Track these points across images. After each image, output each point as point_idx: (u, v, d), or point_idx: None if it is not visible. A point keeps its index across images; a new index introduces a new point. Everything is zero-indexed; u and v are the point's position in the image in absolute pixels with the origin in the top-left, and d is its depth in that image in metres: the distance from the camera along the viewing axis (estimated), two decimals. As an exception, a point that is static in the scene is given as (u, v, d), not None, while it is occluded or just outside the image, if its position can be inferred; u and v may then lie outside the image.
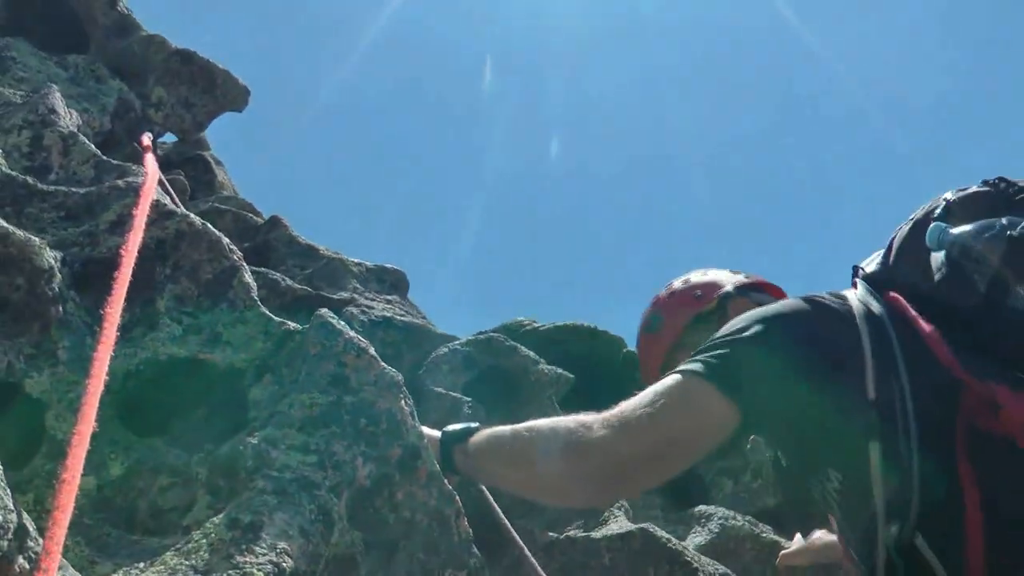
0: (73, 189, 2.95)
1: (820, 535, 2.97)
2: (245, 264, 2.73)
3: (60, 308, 2.40)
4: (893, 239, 2.11)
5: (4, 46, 4.01)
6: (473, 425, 2.28)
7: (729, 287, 2.77)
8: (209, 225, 2.76)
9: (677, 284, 2.90)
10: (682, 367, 1.90)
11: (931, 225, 1.94)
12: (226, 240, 2.74)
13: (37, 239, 2.45)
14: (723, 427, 1.85)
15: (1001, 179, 2.00)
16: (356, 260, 4.69)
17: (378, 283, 4.59)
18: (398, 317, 4.08)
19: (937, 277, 1.90)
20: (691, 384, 1.85)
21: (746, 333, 1.92)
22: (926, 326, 1.85)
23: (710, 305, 2.73)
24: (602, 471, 1.84)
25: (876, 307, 1.95)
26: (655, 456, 1.84)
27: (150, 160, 3.49)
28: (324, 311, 2.35)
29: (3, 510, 1.61)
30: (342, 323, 2.30)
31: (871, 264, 2.16)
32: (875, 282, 2.09)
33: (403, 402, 2.21)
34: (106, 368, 2.00)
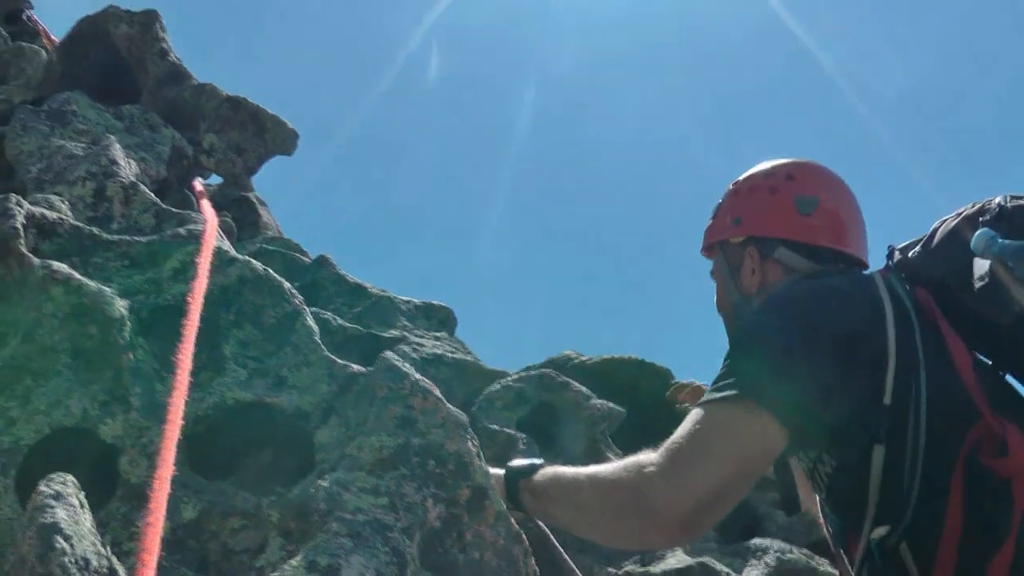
0: (136, 238, 3.03)
1: None
2: (306, 308, 2.80)
3: (131, 355, 2.47)
4: (936, 230, 2.07)
5: (64, 100, 4.14)
6: (538, 461, 2.28)
7: (762, 232, 2.41)
8: (271, 271, 2.83)
9: (744, 186, 2.52)
10: (718, 395, 1.86)
11: (981, 230, 1.89)
12: (287, 285, 2.81)
13: (108, 289, 2.52)
14: (774, 447, 1.83)
15: None
16: (404, 298, 4.73)
17: (426, 320, 4.63)
18: (448, 354, 4.12)
19: (977, 285, 1.87)
20: (732, 415, 1.83)
21: (770, 344, 1.90)
22: (955, 340, 1.87)
23: (736, 238, 2.45)
24: (673, 519, 1.80)
25: (906, 302, 1.94)
26: (720, 494, 1.82)
27: (207, 207, 3.59)
28: (389, 354, 2.40)
29: (96, 555, 1.67)
30: (408, 365, 2.35)
31: (908, 250, 2.13)
32: (908, 270, 2.08)
33: (470, 443, 2.25)
34: (181, 414, 2.07)
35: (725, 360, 1.97)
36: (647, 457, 1.90)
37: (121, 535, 2.26)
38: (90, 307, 2.47)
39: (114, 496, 2.33)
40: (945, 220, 2.07)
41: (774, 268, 2.36)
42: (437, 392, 2.31)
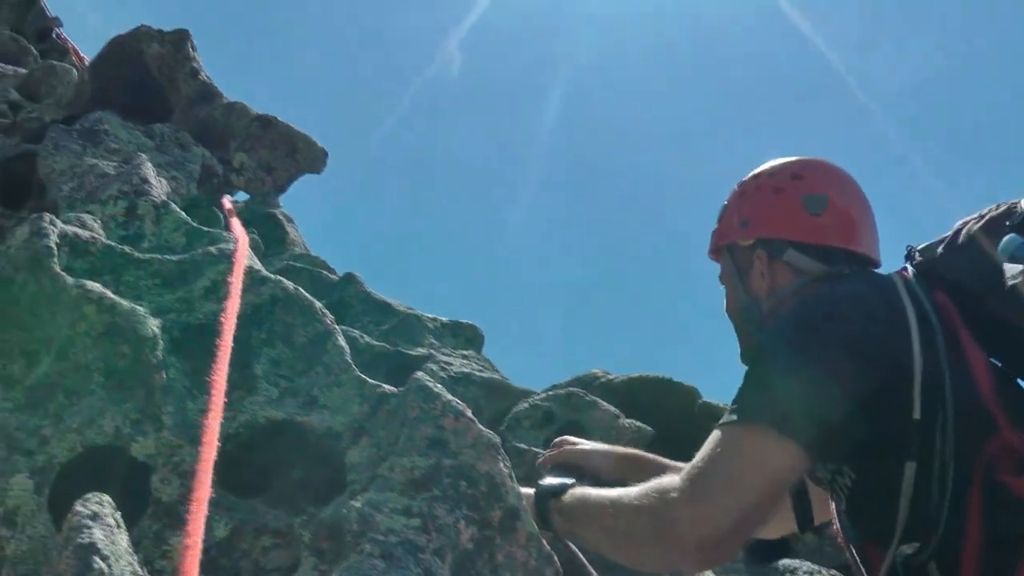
0: (167, 257, 3.05)
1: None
2: (337, 327, 2.80)
3: (163, 374, 2.49)
4: (959, 231, 2.01)
5: (97, 120, 4.18)
6: (568, 481, 2.25)
7: (769, 234, 2.33)
8: (301, 290, 2.84)
9: (750, 186, 2.43)
10: (737, 419, 1.82)
11: (1009, 235, 1.82)
12: (318, 304, 2.82)
13: (141, 308, 2.54)
14: (797, 469, 1.79)
15: None
16: (431, 315, 4.74)
17: (453, 338, 4.63)
18: (476, 373, 4.13)
19: (1008, 286, 1.79)
20: (753, 440, 1.78)
21: (787, 363, 1.84)
22: (973, 348, 1.82)
23: (745, 241, 2.36)
24: (696, 546, 1.76)
25: (926, 306, 1.88)
26: (744, 520, 1.78)
27: (237, 225, 3.60)
28: (420, 374, 2.41)
29: (133, 575, 1.67)
30: (439, 386, 2.35)
31: (928, 251, 2.06)
32: (928, 272, 2.02)
33: (502, 464, 2.25)
34: (217, 435, 2.08)
35: (745, 378, 1.92)
36: (670, 481, 1.87)
37: (153, 553, 2.28)
38: (123, 326, 2.48)
39: (145, 514, 2.34)
40: (968, 221, 2.01)
41: (783, 270, 2.29)
42: (469, 413, 2.31)
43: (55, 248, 2.74)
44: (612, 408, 3.95)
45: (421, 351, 4.23)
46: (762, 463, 1.77)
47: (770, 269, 2.31)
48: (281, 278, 2.87)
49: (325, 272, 5.16)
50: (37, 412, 2.40)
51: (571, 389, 4.07)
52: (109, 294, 2.53)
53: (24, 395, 2.43)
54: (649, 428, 3.97)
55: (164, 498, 2.36)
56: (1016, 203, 1.92)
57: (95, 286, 2.54)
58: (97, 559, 1.61)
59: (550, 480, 2.29)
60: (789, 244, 2.28)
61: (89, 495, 1.78)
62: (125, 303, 2.53)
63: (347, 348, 2.74)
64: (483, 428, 2.30)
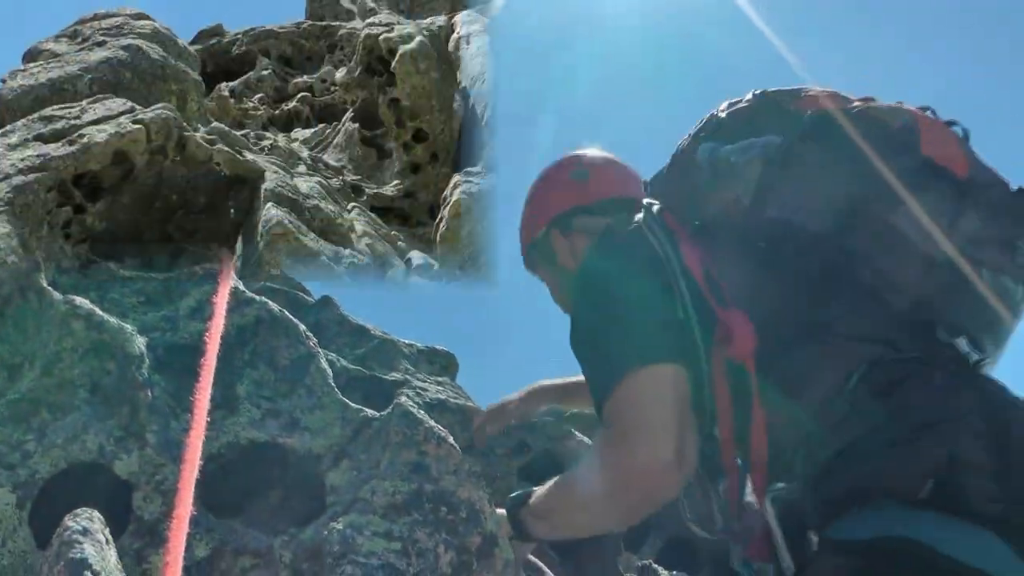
0: (152, 275, 3.08)
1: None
2: (321, 351, 2.84)
3: (149, 393, 2.51)
4: (674, 154, 2.20)
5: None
6: (531, 489, 2.31)
7: (555, 211, 2.61)
8: (286, 312, 2.87)
9: (527, 199, 2.77)
10: (621, 376, 1.91)
11: (702, 145, 2.06)
12: (303, 327, 2.85)
13: (129, 326, 2.56)
14: (685, 378, 1.89)
15: (764, 92, 2.09)
16: (407, 341, 4.76)
17: (428, 365, 4.65)
18: (451, 400, 4.15)
19: (708, 191, 2.01)
20: (643, 380, 1.88)
21: (616, 305, 1.98)
22: (690, 251, 1.97)
23: (540, 231, 2.64)
24: (667, 466, 1.85)
25: (659, 230, 2.04)
26: (680, 429, 1.84)
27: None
28: (404, 399, 2.45)
29: (120, 593, 1.70)
30: (422, 412, 2.39)
31: (655, 180, 2.27)
32: (656, 197, 2.21)
33: (481, 491, 2.29)
34: (199, 454, 2.11)
35: (594, 348, 2.03)
36: (607, 436, 1.95)
37: (133, 572, 2.28)
38: (110, 343, 2.51)
39: (127, 532, 2.35)
40: (682, 141, 2.20)
41: (579, 237, 2.52)
42: (451, 439, 2.36)
43: (41, 263, 2.76)
44: (586, 439, 3.99)
45: (396, 376, 4.25)
46: (661, 389, 1.87)
47: (569, 242, 2.56)
48: (267, 300, 2.90)
49: (301, 294, 5.18)
50: (20, 426, 2.41)
51: (545, 419, 4.11)
52: (97, 311, 2.55)
53: (7, 409, 2.44)
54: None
55: (146, 516, 2.37)
56: (713, 114, 2.13)
57: (83, 302, 2.57)
58: (88, 574, 1.63)
59: (514, 494, 2.34)
60: (573, 214, 2.56)
61: (79, 510, 1.81)
62: (113, 320, 2.55)
63: (330, 371, 2.78)
64: (464, 455, 2.34)
